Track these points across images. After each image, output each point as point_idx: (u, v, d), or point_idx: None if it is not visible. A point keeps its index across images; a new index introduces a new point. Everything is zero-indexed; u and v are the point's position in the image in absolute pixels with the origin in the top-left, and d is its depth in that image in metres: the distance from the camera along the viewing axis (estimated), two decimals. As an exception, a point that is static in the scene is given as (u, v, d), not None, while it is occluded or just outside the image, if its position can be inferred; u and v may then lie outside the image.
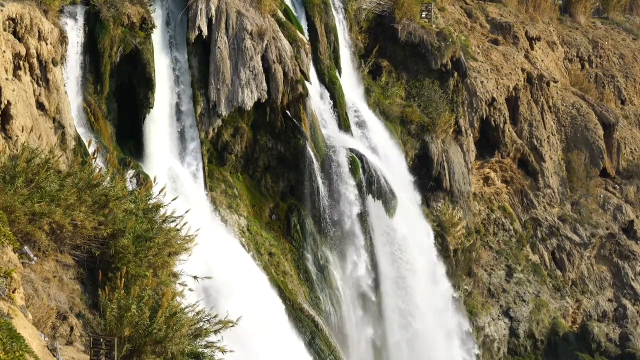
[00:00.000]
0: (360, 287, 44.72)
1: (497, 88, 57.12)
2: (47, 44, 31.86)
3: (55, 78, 32.38)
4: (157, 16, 39.36)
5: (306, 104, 42.60)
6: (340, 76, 47.34)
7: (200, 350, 19.37)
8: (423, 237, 48.84)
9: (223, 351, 19.86)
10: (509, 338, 54.27)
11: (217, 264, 33.80)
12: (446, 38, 52.56)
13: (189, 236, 22.02)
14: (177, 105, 39.77)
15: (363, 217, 44.31)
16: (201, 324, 19.62)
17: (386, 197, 44.95)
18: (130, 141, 38.12)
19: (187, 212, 22.73)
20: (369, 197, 44.36)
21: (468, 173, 53.42)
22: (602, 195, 62.30)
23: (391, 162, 47.88)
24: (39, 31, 31.42)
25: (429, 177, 51.02)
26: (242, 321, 21.66)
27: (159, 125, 38.63)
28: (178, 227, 22.09)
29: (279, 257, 41.45)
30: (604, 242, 60.60)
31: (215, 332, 19.74)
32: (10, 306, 15.06)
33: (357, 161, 44.21)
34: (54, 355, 16.08)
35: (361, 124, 47.81)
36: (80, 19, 36.05)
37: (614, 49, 71.90)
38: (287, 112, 42.29)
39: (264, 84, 40.82)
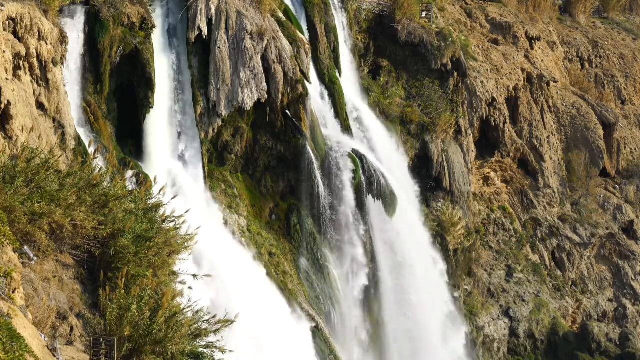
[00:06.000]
0: (360, 286, 44.71)
1: (497, 88, 57.12)
2: (47, 44, 31.86)
3: (55, 78, 32.39)
4: (157, 16, 39.37)
5: (306, 104, 42.61)
6: (340, 76, 47.34)
7: (200, 350, 19.36)
8: (422, 237, 48.85)
9: (223, 351, 19.86)
10: (509, 338, 54.25)
11: (217, 263, 33.80)
12: (446, 38, 52.57)
13: (188, 235, 22.02)
14: (177, 105, 39.78)
15: (363, 217, 44.30)
16: (201, 323, 19.62)
17: (386, 197, 44.95)
18: (130, 141, 38.13)
19: (187, 212, 22.73)
20: (369, 197, 44.36)
21: (468, 173, 53.41)
22: (602, 195, 62.29)
23: (391, 162, 47.87)
24: (39, 31, 31.42)
25: (429, 177, 51.02)
26: (243, 320, 21.67)
27: (159, 125, 38.64)
28: (178, 226, 22.09)
29: (279, 257, 41.46)
30: (604, 242, 60.60)
31: (215, 332, 19.74)
32: (10, 306, 15.05)
33: (357, 161, 44.21)
34: (54, 355, 16.08)
35: (361, 124, 47.82)
36: (80, 19, 36.07)
37: (614, 49, 71.90)
38: (287, 112, 42.30)
39: (264, 84, 40.83)
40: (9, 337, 13.65)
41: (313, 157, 42.42)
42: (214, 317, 19.84)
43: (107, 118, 37.02)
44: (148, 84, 37.68)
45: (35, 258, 18.64)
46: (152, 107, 37.74)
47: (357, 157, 44.42)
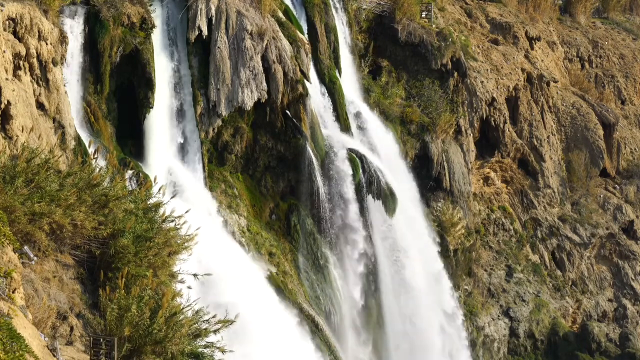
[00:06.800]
0: (360, 285, 44.71)
1: (497, 88, 57.12)
2: (47, 44, 31.86)
3: (55, 78, 32.39)
4: (157, 16, 39.37)
5: (306, 104, 42.60)
6: (340, 76, 47.34)
7: (200, 350, 19.36)
8: (423, 236, 48.83)
9: (223, 351, 19.86)
10: (509, 338, 54.26)
11: (217, 264, 33.78)
12: (446, 38, 52.58)
13: (188, 235, 22.02)
14: (177, 105, 39.78)
15: (363, 217, 44.29)
16: (201, 323, 19.61)
17: (386, 197, 44.95)
18: (130, 141, 38.13)
19: (187, 212, 22.73)
20: (369, 197, 44.36)
21: (468, 173, 53.41)
22: (602, 195, 62.30)
23: (391, 162, 47.87)
24: (39, 31, 31.42)
25: (429, 177, 51.02)
26: (243, 320, 21.67)
27: (159, 125, 38.64)
28: (178, 226, 22.08)
29: (279, 257, 41.45)
30: (604, 242, 60.60)
31: (215, 331, 19.74)
32: (10, 306, 15.06)
33: (357, 161, 44.21)
34: (54, 355, 16.08)
35: (361, 124, 47.83)
36: (80, 19, 36.07)
37: (614, 49, 71.91)
38: (287, 112, 42.29)
39: (264, 84, 40.82)
40: (9, 337, 13.65)
41: (313, 157, 42.42)
42: (214, 317, 19.84)
43: (107, 118, 37.02)
44: (148, 84, 37.68)
45: (35, 258, 18.64)
46: (152, 107, 37.74)
47: (357, 157, 44.42)
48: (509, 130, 57.80)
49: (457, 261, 52.08)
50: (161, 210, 22.21)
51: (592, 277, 59.56)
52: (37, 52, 31.41)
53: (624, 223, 61.85)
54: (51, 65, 32.16)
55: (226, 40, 40.38)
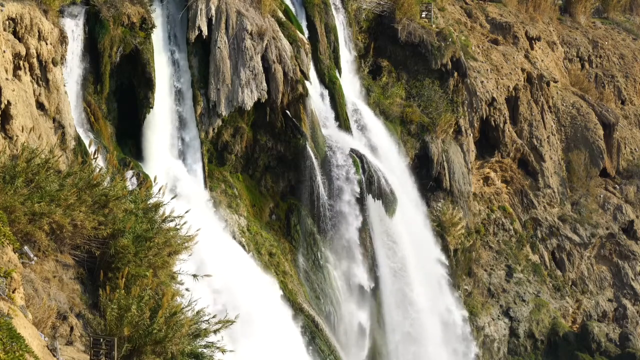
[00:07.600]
0: (360, 286, 44.70)
1: (497, 88, 57.11)
2: (47, 44, 31.86)
3: (55, 78, 32.39)
4: (157, 16, 39.36)
5: (306, 104, 42.61)
6: (340, 76, 47.34)
7: (200, 350, 19.38)
8: (423, 237, 48.82)
9: (223, 351, 19.86)
10: (509, 338, 54.25)
11: (217, 264, 33.79)
12: (446, 38, 52.57)
13: (188, 236, 22.02)
14: (177, 105, 39.78)
15: (363, 217, 44.28)
16: (201, 323, 19.62)
17: (386, 197, 44.94)
18: (130, 141, 38.13)
19: (187, 212, 22.74)
20: (369, 197, 44.36)
21: (468, 173, 53.41)
22: (602, 195, 62.29)
23: (391, 162, 47.87)
24: (39, 31, 31.42)
25: (429, 177, 51.02)
26: (243, 321, 21.71)
27: (159, 125, 38.64)
28: (178, 227, 22.09)
29: (279, 257, 41.45)
30: (604, 242, 60.60)
31: (215, 331, 19.75)
32: (10, 306, 15.06)
33: (357, 161, 44.21)
34: (54, 355, 16.08)
35: (361, 124, 47.83)
36: (80, 19, 36.05)
37: (614, 49, 71.90)
38: (287, 112, 42.30)
39: (264, 84, 40.83)
40: (9, 337, 13.65)
41: (313, 157, 42.42)
42: (214, 317, 19.85)
43: (107, 118, 37.02)
44: (148, 84, 37.68)
45: (35, 258, 18.65)
46: (152, 107, 37.73)
47: (357, 157, 44.41)
48: (509, 130, 57.80)
49: (457, 261, 52.07)
50: (161, 210, 22.23)
51: (592, 277, 59.56)
52: (37, 52, 31.41)
53: (624, 223, 61.85)
54: (51, 65, 32.16)
55: (226, 40, 40.38)
